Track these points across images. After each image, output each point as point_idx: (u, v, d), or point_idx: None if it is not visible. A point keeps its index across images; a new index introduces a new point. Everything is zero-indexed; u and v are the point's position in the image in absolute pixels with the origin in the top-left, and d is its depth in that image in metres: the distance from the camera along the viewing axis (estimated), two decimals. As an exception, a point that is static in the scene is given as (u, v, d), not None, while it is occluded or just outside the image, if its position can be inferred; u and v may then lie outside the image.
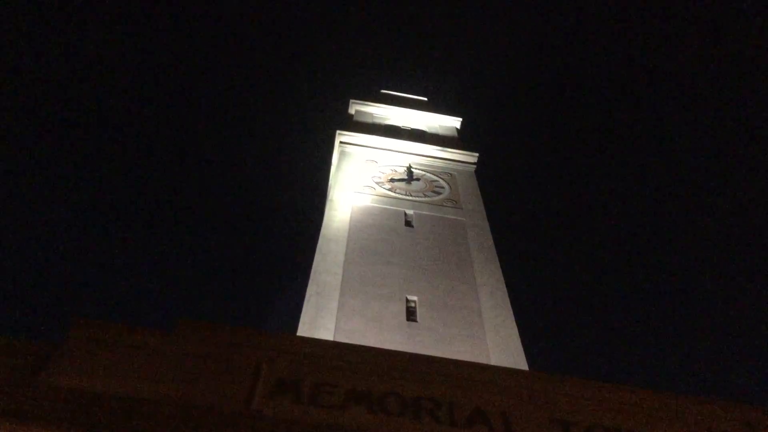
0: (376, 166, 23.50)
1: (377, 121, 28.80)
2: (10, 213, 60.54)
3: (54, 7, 68.15)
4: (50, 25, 66.36)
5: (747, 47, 65.21)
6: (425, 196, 21.86)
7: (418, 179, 22.82)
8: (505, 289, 17.73)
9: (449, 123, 30.38)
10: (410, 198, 21.44)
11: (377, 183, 22.11)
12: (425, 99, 33.92)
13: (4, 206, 57.92)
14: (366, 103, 30.20)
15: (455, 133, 29.54)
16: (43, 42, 65.81)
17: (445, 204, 21.65)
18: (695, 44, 71.59)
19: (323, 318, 15.10)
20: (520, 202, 76.14)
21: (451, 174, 24.02)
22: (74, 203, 66.31)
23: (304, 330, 14.52)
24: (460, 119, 30.77)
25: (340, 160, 24.00)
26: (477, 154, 25.55)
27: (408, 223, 20.02)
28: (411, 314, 15.99)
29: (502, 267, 18.77)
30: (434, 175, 23.64)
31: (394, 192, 21.65)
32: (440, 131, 29.14)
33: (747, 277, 62.08)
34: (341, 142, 25.01)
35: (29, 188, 62.61)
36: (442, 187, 22.78)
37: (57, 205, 65.38)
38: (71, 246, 64.19)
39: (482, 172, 25.41)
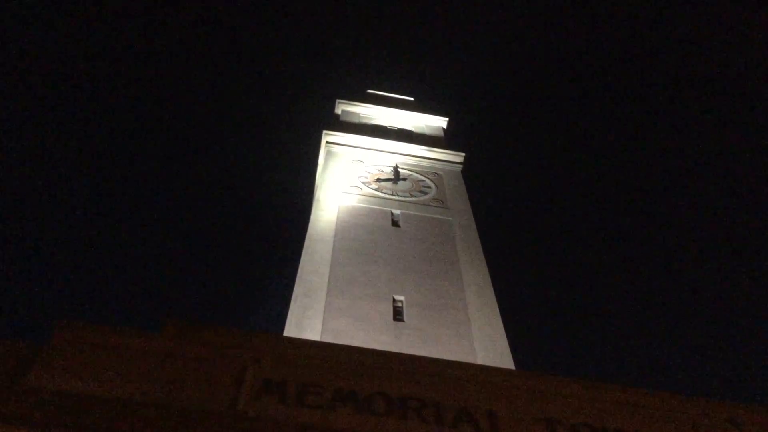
0: (363, 166, 23.49)
1: (364, 121, 28.77)
2: (-6, 214, 60.02)
3: (54, 6, 67.65)
4: (50, 24, 65.87)
5: (745, 47, 65.75)
6: (412, 196, 21.88)
7: (404, 179, 22.83)
8: (491, 288, 17.77)
9: (436, 123, 30.40)
10: (397, 198, 21.44)
11: (364, 183, 22.10)
12: (412, 99, 33.91)
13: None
14: (353, 103, 30.15)
15: (442, 133, 29.56)
16: (43, 41, 65.31)
17: (431, 204, 21.68)
18: (678, 42, 72.13)
19: (310, 318, 15.08)
20: (507, 202, 76.38)
21: (437, 174, 24.04)
22: (60, 204, 65.85)
23: (290, 330, 14.49)
24: (447, 119, 30.79)
25: (326, 160, 23.96)
26: (463, 154, 25.59)
27: (395, 223, 20.02)
28: (398, 314, 16.00)
29: (488, 266, 18.82)
30: (421, 175, 23.65)
31: (381, 192, 21.65)
32: (427, 131, 29.15)
33: (732, 276, 62.59)
34: (328, 142, 24.97)
35: (16, 190, 62.08)
36: (429, 187, 22.80)
37: (43, 207, 64.88)
38: (57, 247, 63.72)
39: (469, 171, 25.49)
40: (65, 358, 7.33)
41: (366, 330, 15.04)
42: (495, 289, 17.72)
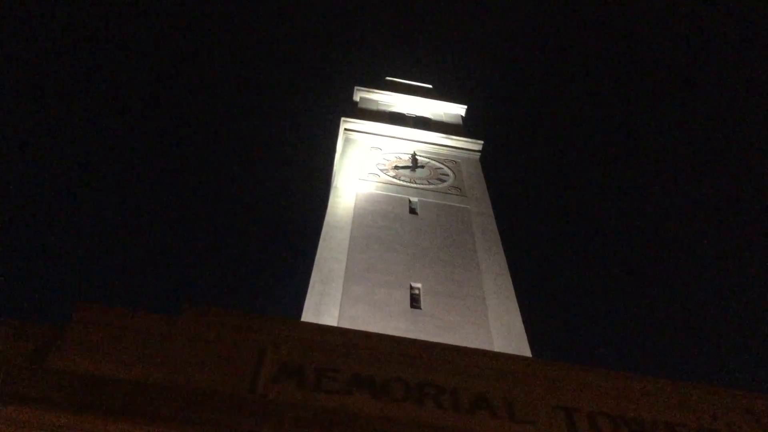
0: (381, 153, 23.45)
1: (382, 108, 28.69)
2: (18, 199, 60.71)
3: (58, 6, 68.01)
4: (53, 24, 66.27)
5: (746, 47, 64.79)
6: (430, 183, 21.82)
7: (422, 166, 22.77)
8: (509, 276, 17.71)
9: (454, 110, 30.26)
10: (415, 185, 21.40)
11: (382, 170, 22.07)
12: (430, 86, 33.76)
13: (11, 192, 58.06)
14: (371, 90, 30.08)
15: (460, 121, 29.42)
16: (47, 40, 65.75)
17: (449, 191, 21.60)
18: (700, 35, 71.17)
19: (327, 305, 15.12)
20: (525, 190, 76.04)
21: (455, 161, 23.95)
22: (81, 189, 66.45)
23: (308, 317, 14.53)
24: (465, 107, 30.63)
25: (344, 147, 23.96)
26: (482, 142, 25.47)
27: (412, 211, 19.99)
28: (415, 301, 16.00)
29: (506, 254, 18.76)
30: (439, 162, 23.57)
31: (399, 179, 21.61)
32: (445, 119, 29.03)
33: (750, 267, 61.97)
34: (346, 129, 24.95)
35: (36, 175, 62.75)
36: (447, 175, 22.73)
37: (64, 191, 65.54)
38: (78, 231, 64.37)
39: (487, 159, 25.37)
40: (84, 340, 7.40)
41: (383, 317, 15.06)
42: (512, 277, 17.68)
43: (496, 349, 14.33)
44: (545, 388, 8.39)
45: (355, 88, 30.14)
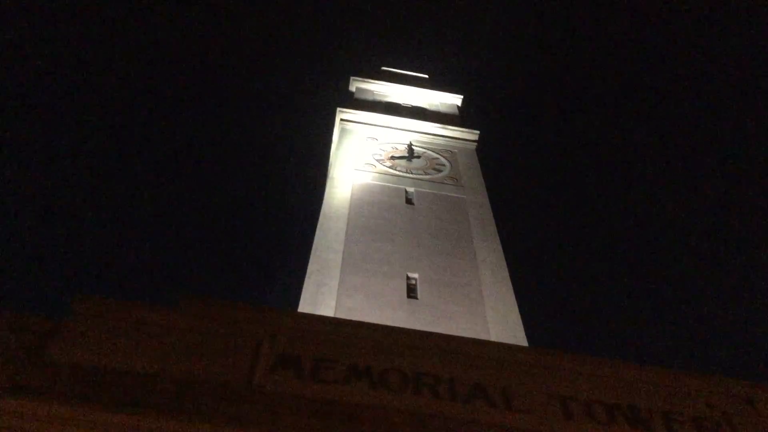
0: (377, 143, 23.42)
1: (378, 98, 28.64)
2: (16, 190, 60.55)
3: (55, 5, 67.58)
4: (51, 24, 65.91)
5: (747, 47, 64.72)
6: (426, 173, 21.80)
7: (418, 157, 22.74)
8: (505, 265, 17.74)
9: (450, 100, 30.21)
10: (411, 176, 21.38)
11: (378, 160, 22.04)
12: (426, 76, 33.70)
13: (9, 184, 57.92)
14: (367, 80, 30.01)
15: (456, 111, 29.38)
16: (46, 40, 65.41)
17: (445, 181, 21.60)
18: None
19: (324, 295, 15.13)
20: (521, 180, 76.02)
21: (451, 151, 23.94)
22: (79, 182, 66.31)
23: (305, 307, 14.55)
24: (461, 97, 30.59)
25: (340, 137, 23.92)
26: (478, 132, 25.45)
27: (409, 201, 19.99)
28: (411, 291, 16.02)
29: (502, 244, 18.78)
30: (435, 152, 23.55)
31: (395, 169, 21.59)
32: (441, 109, 28.98)
33: (746, 256, 62.15)
34: (342, 120, 24.90)
35: (36, 166, 62.56)
36: (443, 165, 22.71)
37: (62, 185, 65.38)
38: (76, 224, 64.27)
39: (483, 149, 25.35)
40: (83, 332, 7.41)
41: (380, 307, 15.08)
42: (508, 267, 17.70)
43: (493, 339, 14.37)
44: (541, 377, 8.43)
45: (351, 78, 30.08)
